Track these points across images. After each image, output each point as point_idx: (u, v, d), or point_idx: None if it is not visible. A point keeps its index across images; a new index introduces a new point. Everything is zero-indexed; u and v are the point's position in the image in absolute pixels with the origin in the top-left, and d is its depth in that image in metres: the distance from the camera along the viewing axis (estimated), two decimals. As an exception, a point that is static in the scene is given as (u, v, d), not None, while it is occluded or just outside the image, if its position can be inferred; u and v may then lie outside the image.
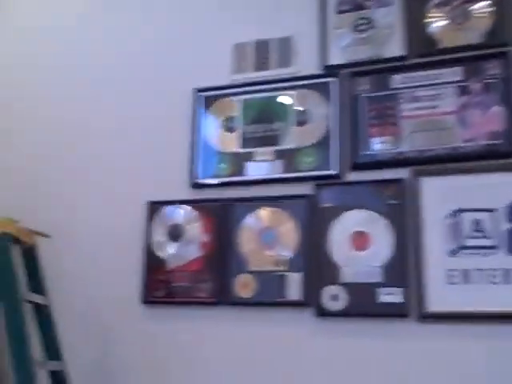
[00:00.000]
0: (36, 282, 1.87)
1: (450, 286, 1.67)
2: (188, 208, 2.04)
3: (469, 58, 1.80)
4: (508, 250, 1.64)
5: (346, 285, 1.78)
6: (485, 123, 1.74)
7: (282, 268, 1.87)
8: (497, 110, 1.73)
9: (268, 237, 1.92)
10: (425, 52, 1.85)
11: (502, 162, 1.70)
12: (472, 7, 1.83)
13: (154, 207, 2.09)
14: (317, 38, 2.00)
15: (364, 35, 1.94)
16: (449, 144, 1.76)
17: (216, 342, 1.91)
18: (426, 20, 1.87)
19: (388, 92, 1.86)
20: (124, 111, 2.22)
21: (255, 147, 2.00)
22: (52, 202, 2.22)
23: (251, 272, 1.91)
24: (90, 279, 2.11)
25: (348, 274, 1.79)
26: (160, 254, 2.04)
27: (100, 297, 2.08)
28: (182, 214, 2.05)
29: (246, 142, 2.02)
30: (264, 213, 1.94)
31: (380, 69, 1.89)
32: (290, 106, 1.98)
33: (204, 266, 1.98)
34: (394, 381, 1.69)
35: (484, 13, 1.81)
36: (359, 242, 1.81)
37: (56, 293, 2.01)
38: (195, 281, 1.97)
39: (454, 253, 1.69)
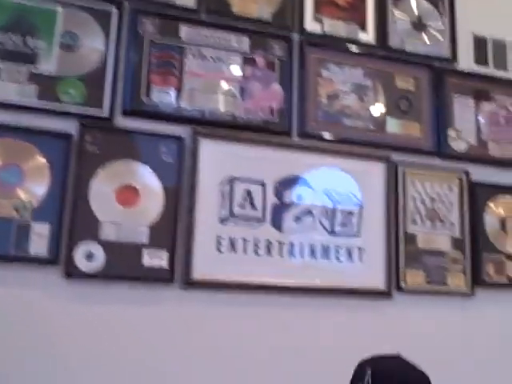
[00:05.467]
0: None
1: (218, 254, 1.93)
2: None
3: (257, 32, 2.13)
4: (272, 224, 2.02)
5: (105, 243, 1.83)
6: (265, 98, 2.09)
7: (24, 216, 1.81)
8: (277, 88, 2.12)
9: (9, 175, 1.83)
10: (215, 10, 2.10)
11: (276, 138, 2.08)
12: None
13: None
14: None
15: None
16: (229, 111, 2.04)
17: None
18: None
19: (175, 42, 2.02)
20: None
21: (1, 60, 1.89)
22: None
23: (-21, 216, 1.77)
24: None
25: (109, 231, 1.85)
26: None
27: None
28: None
29: (-12, 51, 1.88)
30: (7, 144, 1.84)
31: (169, 15, 2.05)
32: (55, 22, 1.96)
33: None
34: (151, 350, 1.83)
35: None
36: (126, 197, 1.90)
37: None
38: None
39: (224, 221, 1.98)
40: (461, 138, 2.36)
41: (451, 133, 2.35)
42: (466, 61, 2.45)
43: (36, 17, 1.94)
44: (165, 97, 1.99)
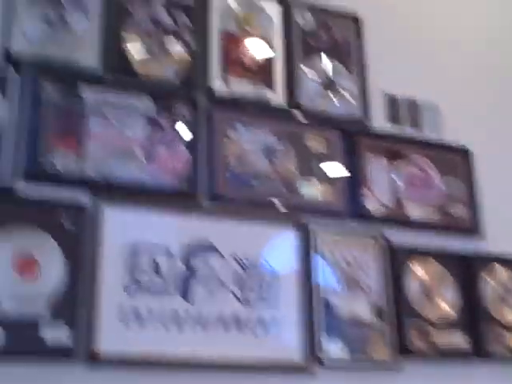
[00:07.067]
0: None
1: (122, 326, 1.92)
2: None
3: (161, 93, 2.21)
4: (179, 293, 2.03)
5: (4, 318, 1.79)
6: (170, 161, 2.14)
7: None
8: (183, 150, 2.19)
9: None
10: (119, 69, 2.17)
11: (183, 202, 2.13)
12: (169, 43, 2.29)
13: None
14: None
15: (56, 33, 2.13)
16: (133, 175, 2.08)
17: None
18: (123, 35, 2.22)
19: (77, 104, 2.06)
20: None
21: None
22: None
23: None
24: None
25: (8, 305, 1.82)
26: None
27: None
28: None
29: None
30: None
31: (71, 75, 2.10)
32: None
33: None
34: None
35: (180, 53, 2.30)
36: (24, 268, 1.91)
37: None
38: None
39: (128, 290, 1.97)
40: (376, 199, 2.48)
41: (366, 194, 2.46)
42: (378, 121, 2.59)
43: None
44: (66, 161, 2.01)
